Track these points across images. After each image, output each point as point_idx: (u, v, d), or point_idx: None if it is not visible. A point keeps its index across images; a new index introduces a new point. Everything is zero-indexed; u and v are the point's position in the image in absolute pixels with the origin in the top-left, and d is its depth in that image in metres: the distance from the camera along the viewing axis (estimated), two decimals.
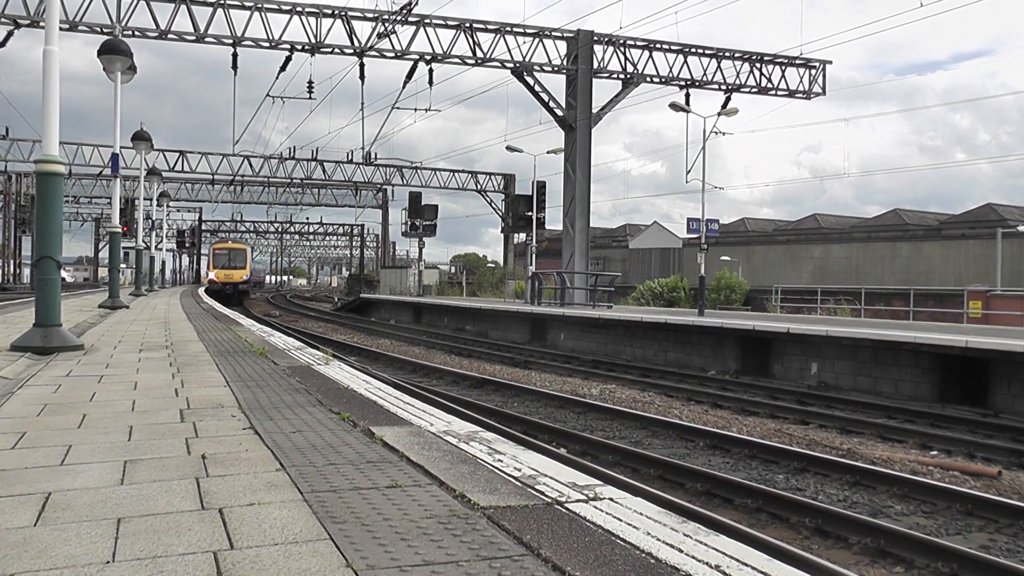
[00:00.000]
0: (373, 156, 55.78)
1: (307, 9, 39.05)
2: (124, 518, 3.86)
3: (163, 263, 71.19)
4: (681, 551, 3.51)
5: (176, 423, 6.42)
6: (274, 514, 3.96)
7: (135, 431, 6.04)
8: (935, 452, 14.30)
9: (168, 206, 71.79)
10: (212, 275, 72.04)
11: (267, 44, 39.03)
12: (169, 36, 37.63)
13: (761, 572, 3.33)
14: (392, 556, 3.41)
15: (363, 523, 3.84)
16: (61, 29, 11.99)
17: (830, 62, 47.17)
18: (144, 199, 43.60)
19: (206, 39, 37.97)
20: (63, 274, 14.15)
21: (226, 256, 74.12)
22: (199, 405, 7.22)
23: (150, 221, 51.92)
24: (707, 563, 3.37)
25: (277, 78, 42.03)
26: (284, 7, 38.82)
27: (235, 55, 38.76)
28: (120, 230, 22.81)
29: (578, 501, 4.30)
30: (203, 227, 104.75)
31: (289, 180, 76.61)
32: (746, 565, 3.38)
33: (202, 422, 6.43)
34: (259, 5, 38.34)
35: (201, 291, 54.42)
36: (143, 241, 42.22)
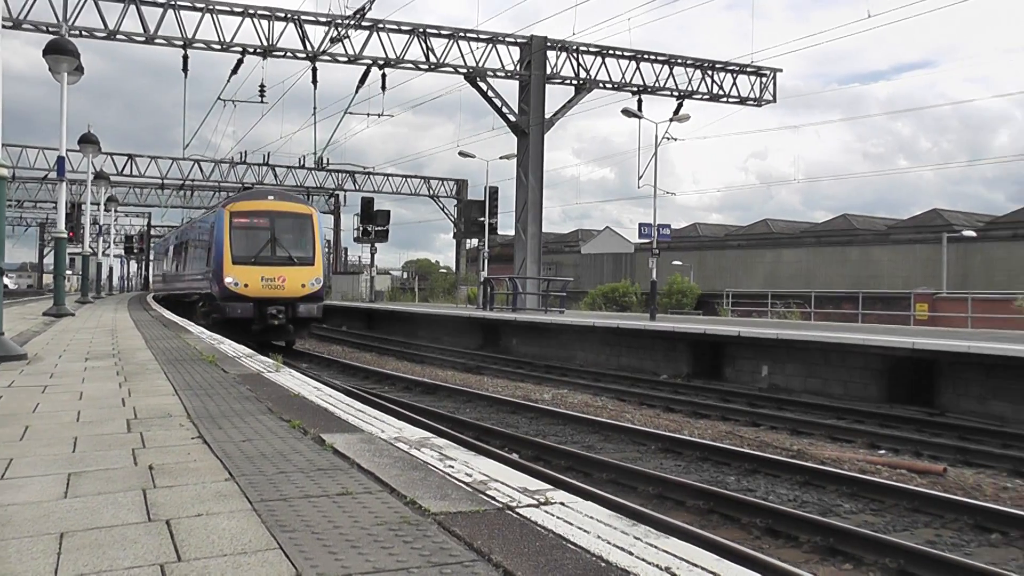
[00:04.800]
0: (325, 161, 55.44)
1: (259, 12, 38.80)
2: (68, 532, 3.81)
3: (111, 269, 70.00)
4: (632, 553, 3.52)
5: (123, 433, 6.35)
6: (223, 524, 3.93)
7: (80, 442, 5.97)
8: (883, 451, 14.43)
9: (116, 211, 70.58)
10: (229, 278, 28.61)
11: (218, 46, 38.76)
12: (118, 37, 37.20)
13: (711, 572, 3.34)
14: (342, 564, 3.39)
15: (313, 531, 3.82)
16: (4, 27, 11.86)
17: (780, 70, 47.62)
18: (91, 204, 43.06)
19: (156, 40, 37.61)
20: (6, 281, 14.00)
21: (265, 231, 29.82)
22: (147, 415, 7.15)
23: (97, 226, 50.99)
24: (657, 565, 3.38)
25: (228, 81, 41.68)
26: (236, 9, 38.55)
27: (186, 57, 38.45)
28: (66, 235, 22.48)
29: (529, 506, 4.30)
30: (152, 232, 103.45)
31: (240, 185, 75.85)
32: (696, 566, 3.39)
33: (149, 432, 6.37)
34: (210, 6, 38.06)
35: (150, 298, 53.74)
36: (90, 247, 41.72)
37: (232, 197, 32.90)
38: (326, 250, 32.55)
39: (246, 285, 28.41)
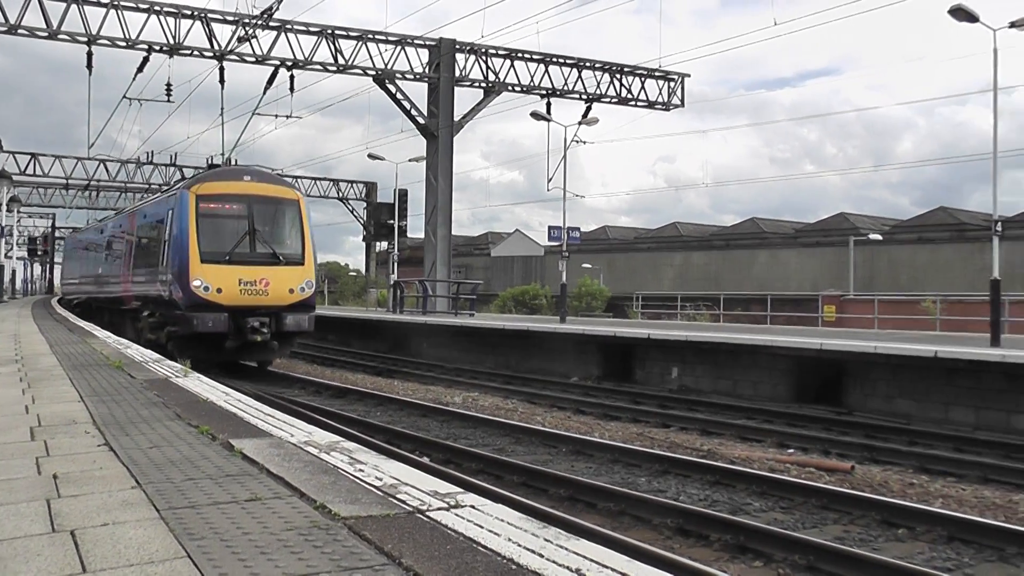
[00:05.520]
0: (233, 163, 54.81)
1: (166, 9, 38.13)
2: None
3: (13, 272, 68.45)
4: (542, 556, 3.54)
5: (26, 442, 6.24)
6: (129, 534, 3.88)
7: None
8: (792, 450, 14.64)
9: (19, 212, 68.97)
10: (196, 280, 22.41)
11: (124, 44, 38.03)
12: (19, 32, 36.28)
13: (621, 573, 3.37)
14: (252, 571, 3.36)
15: (222, 538, 3.79)
16: None
17: (688, 75, 47.99)
18: None
19: (59, 36, 36.79)
20: None
21: (242, 220, 23.65)
22: (51, 422, 7.03)
23: None
24: (568, 567, 3.40)
25: (134, 79, 40.94)
26: (141, 6, 37.85)
27: (90, 54, 37.63)
28: None
29: (440, 509, 4.30)
30: (56, 234, 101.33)
31: (147, 186, 74.33)
32: (606, 567, 3.42)
33: (54, 440, 6.26)
34: (115, 3, 37.35)
35: (55, 302, 52.75)
36: None
37: (197, 176, 26.03)
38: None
39: (219, 290, 22.21)
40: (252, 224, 23.17)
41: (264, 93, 41.63)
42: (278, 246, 23.44)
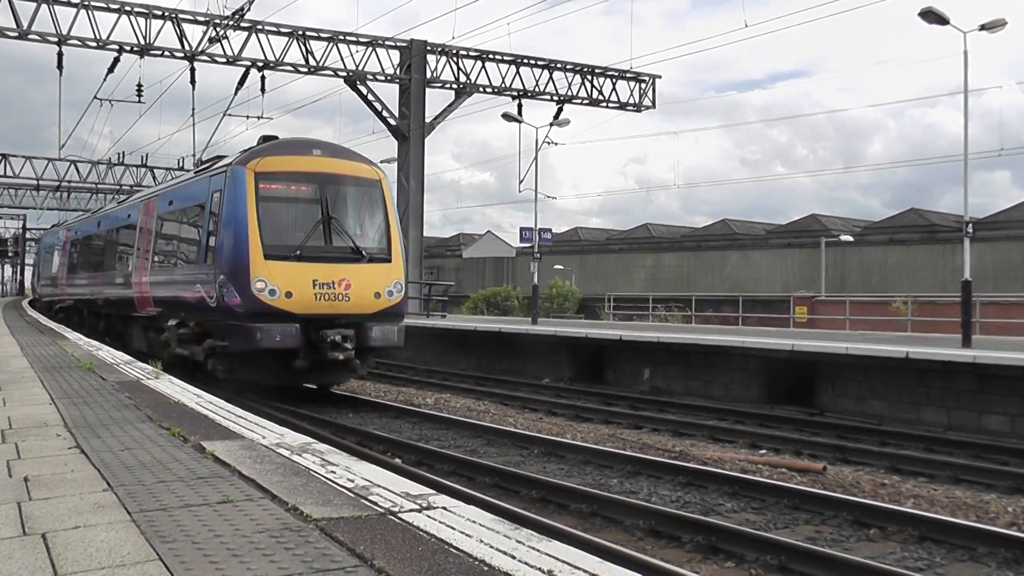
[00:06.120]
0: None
1: (136, 9, 37.95)
2: None
3: None
4: (514, 557, 3.55)
5: None
6: (100, 537, 3.87)
7: None
8: (764, 451, 14.71)
9: None
10: (260, 281, 17.31)
11: (94, 44, 37.80)
12: None
13: (592, 574, 3.38)
14: (224, 573, 3.36)
15: (194, 541, 3.78)
16: None
17: (659, 76, 48.09)
18: None
19: (30, 36, 36.59)
20: None
21: (314, 205, 18.82)
22: (22, 424, 6.99)
23: None
24: (540, 568, 3.41)
25: (105, 80, 40.76)
26: (112, 6, 37.62)
27: (60, 54, 37.46)
28: None
29: (412, 511, 4.31)
30: (27, 235, 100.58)
31: (118, 187, 73.95)
32: (578, 568, 3.43)
33: (25, 442, 6.23)
34: (85, 3, 37.16)
35: (26, 303, 52.42)
36: None
37: (252, 150, 19.20)
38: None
39: (289, 294, 17.26)
40: (327, 210, 18.39)
41: (235, 94, 41.48)
42: (360, 238, 18.83)
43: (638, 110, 47.68)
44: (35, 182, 70.42)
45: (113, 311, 27.70)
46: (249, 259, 17.22)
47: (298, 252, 17.60)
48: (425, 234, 46.90)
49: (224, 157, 20.70)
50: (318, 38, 41.14)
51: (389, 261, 18.93)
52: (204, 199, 19.53)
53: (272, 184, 18.11)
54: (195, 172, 22.43)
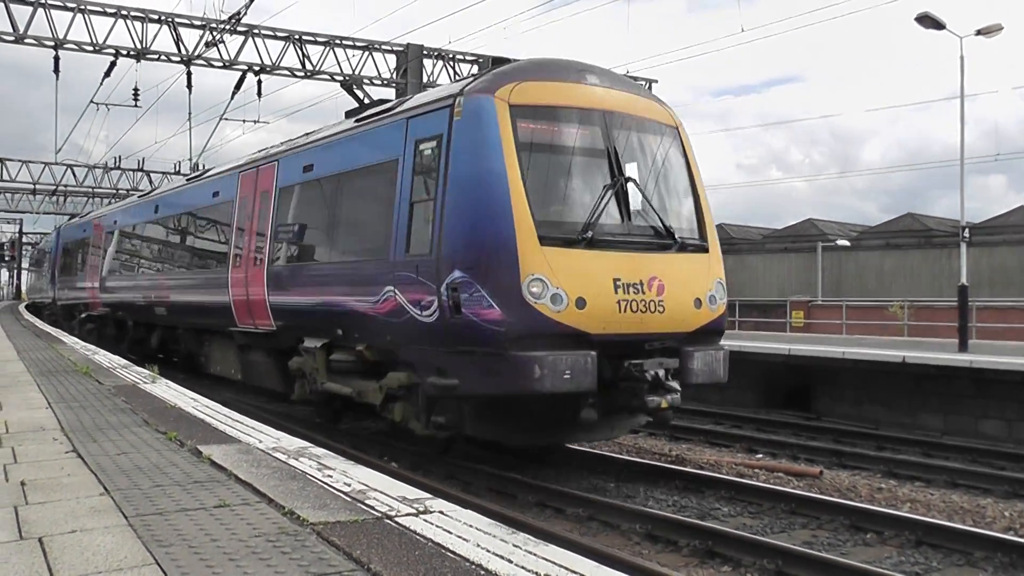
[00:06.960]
0: (201, 167, 54.69)
1: (133, 13, 37.94)
2: None
3: None
4: (511, 561, 3.55)
5: None
6: (97, 541, 3.87)
7: None
8: (761, 455, 14.71)
9: None
10: (533, 280, 10.12)
11: (91, 48, 37.77)
12: None
13: None
14: None
15: (190, 545, 3.78)
16: None
17: (656, 80, 48.07)
18: None
19: (26, 40, 36.54)
20: None
21: (599, 156, 11.49)
22: (19, 428, 6.99)
23: None
24: (536, 572, 3.42)
25: (101, 84, 40.76)
26: (109, 10, 37.61)
27: (57, 58, 37.45)
28: None
29: (408, 515, 4.31)
30: (23, 239, 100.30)
31: (115, 191, 73.85)
32: (574, 572, 3.44)
33: (22, 446, 6.23)
34: (82, 7, 37.15)
35: (23, 307, 52.27)
36: None
37: (496, 72, 11.80)
38: None
39: (581, 303, 10.39)
40: (619, 168, 11.47)
41: (232, 98, 41.46)
42: (668, 214, 11.97)
43: None
44: (31, 186, 70.26)
45: (182, 322, 21.01)
46: (516, 244, 10.39)
47: (590, 235, 10.83)
48: None
49: (403, 100, 14.04)
50: (314, 42, 41.13)
51: (706, 251, 12.38)
52: (395, 154, 12.34)
53: (538, 124, 11.42)
54: (358, 121, 14.27)
